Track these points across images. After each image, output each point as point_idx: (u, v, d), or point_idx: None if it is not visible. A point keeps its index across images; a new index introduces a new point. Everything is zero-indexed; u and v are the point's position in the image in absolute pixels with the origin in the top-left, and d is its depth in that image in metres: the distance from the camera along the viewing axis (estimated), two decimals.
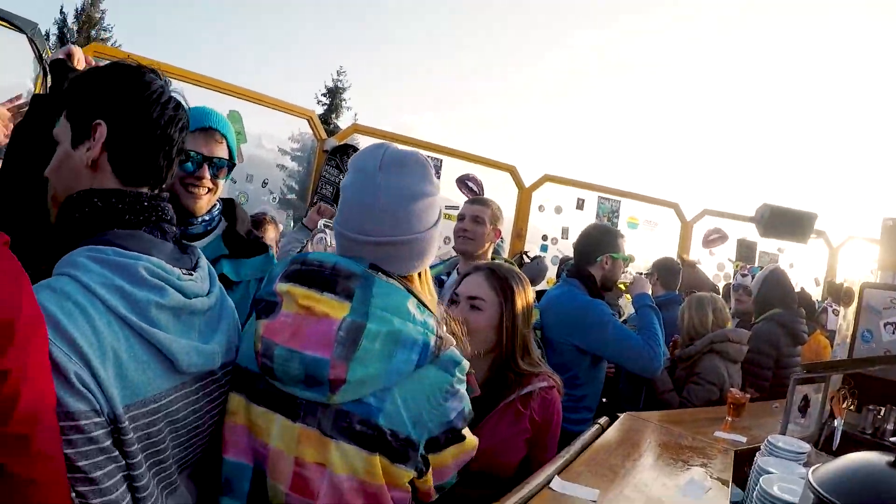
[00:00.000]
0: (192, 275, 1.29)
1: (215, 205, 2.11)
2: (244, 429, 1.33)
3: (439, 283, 3.12)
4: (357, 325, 1.24)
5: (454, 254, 3.50)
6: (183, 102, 1.34)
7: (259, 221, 3.76)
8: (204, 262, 1.39)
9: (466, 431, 1.41)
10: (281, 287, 1.34)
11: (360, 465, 1.25)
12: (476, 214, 3.27)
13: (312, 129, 6.20)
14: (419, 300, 1.37)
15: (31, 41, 4.16)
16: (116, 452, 1.07)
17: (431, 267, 1.51)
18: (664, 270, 4.90)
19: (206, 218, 2.07)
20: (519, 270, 2.27)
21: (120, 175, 1.24)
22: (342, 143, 6.07)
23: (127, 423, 1.07)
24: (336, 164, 5.93)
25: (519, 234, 7.03)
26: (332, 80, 37.61)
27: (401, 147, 1.43)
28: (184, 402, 1.23)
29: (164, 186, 1.33)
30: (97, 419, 1.03)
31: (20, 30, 4.12)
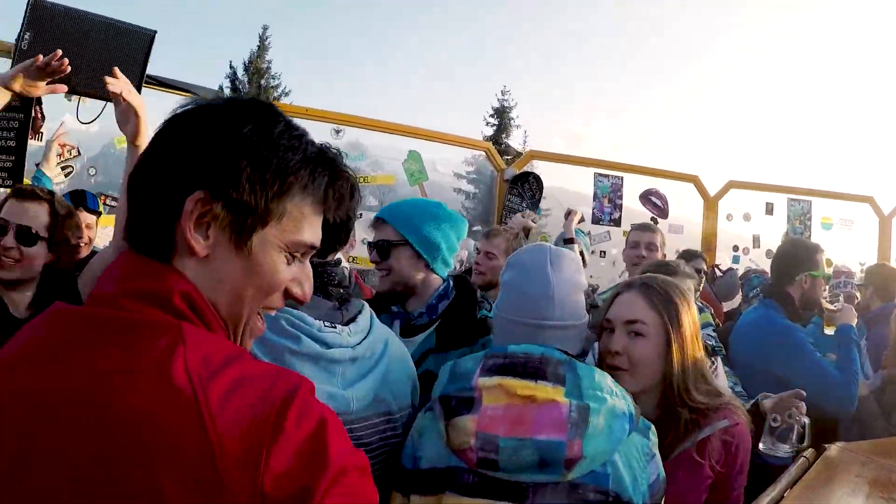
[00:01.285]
0: (335, 328, 1.48)
1: (436, 292, 2.10)
2: None
3: None
4: (582, 405, 1.37)
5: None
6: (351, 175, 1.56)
7: (490, 232, 3.42)
8: (365, 318, 1.58)
9: None
10: (487, 382, 1.42)
11: None
12: (650, 241, 3.34)
13: (490, 161, 6.43)
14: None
15: None
16: None
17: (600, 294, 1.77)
18: (878, 278, 4.46)
19: (423, 310, 2.07)
20: (676, 281, 1.95)
21: None
22: (521, 171, 6.26)
23: None
24: (518, 193, 6.11)
25: (708, 246, 6.79)
26: (499, 100, 38.29)
27: (558, 248, 1.68)
28: None
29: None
30: None
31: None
